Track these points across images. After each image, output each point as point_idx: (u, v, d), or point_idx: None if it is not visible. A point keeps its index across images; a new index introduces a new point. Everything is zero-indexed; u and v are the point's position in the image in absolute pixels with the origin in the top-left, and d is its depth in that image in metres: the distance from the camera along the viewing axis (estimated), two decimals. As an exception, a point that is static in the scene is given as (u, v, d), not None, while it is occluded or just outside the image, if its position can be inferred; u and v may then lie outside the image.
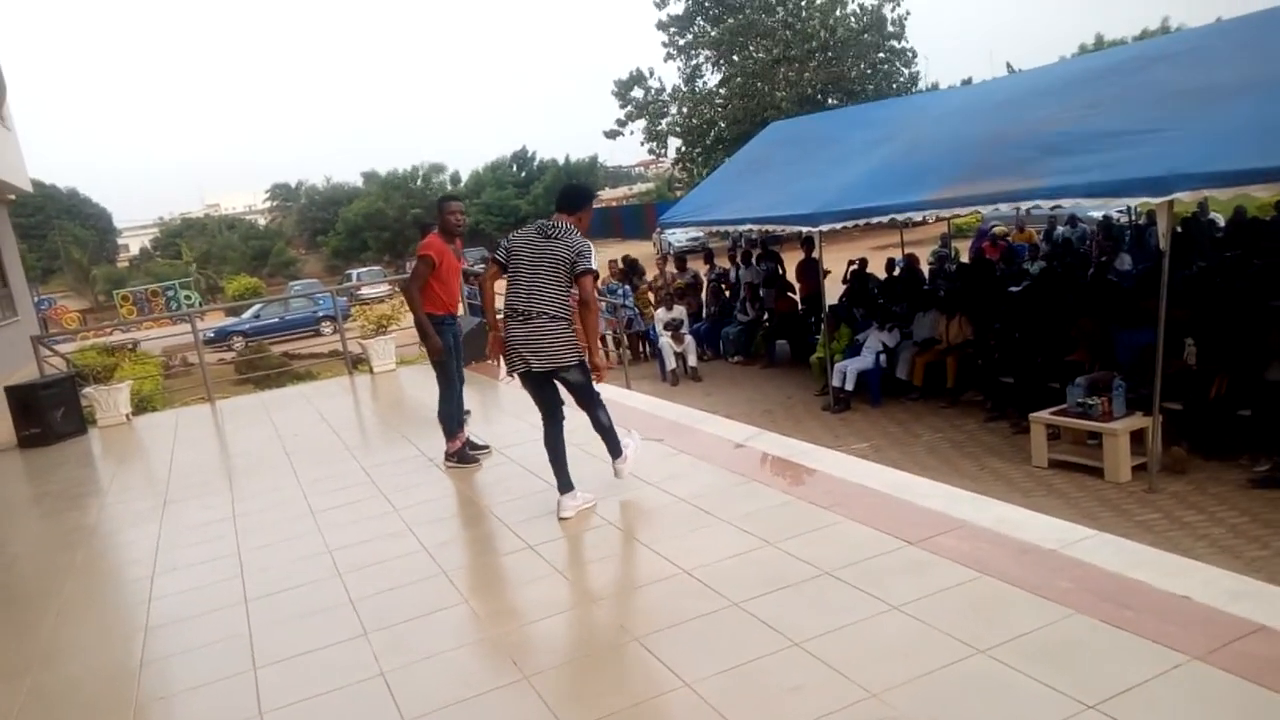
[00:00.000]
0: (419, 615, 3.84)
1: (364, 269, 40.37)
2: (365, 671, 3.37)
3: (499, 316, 4.66)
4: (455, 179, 52.40)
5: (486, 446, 6.14)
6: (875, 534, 3.93)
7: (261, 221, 61.22)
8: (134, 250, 59.67)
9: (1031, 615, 3.07)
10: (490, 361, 4.42)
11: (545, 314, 4.42)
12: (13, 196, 17.54)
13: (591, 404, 4.67)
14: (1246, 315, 7.46)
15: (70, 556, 5.38)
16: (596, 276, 4.58)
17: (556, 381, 4.62)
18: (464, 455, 5.93)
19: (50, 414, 8.75)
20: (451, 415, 5.94)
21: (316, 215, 54.50)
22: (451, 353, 5.97)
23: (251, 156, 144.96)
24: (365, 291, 28.50)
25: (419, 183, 51.01)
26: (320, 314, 28.33)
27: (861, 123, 12.41)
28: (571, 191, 4.75)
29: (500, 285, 4.71)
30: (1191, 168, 6.04)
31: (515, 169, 52.35)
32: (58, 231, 48.65)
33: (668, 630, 3.36)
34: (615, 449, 4.81)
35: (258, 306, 29.42)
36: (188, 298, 40.25)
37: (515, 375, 4.62)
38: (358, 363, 11.31)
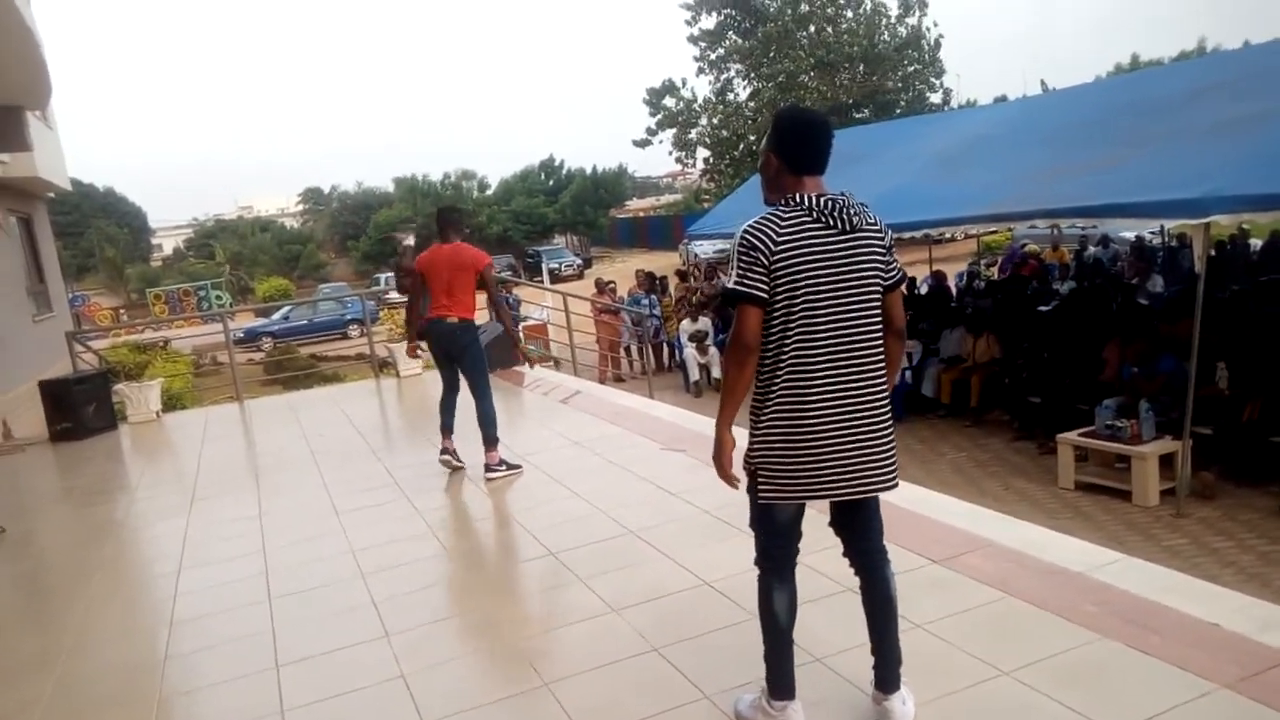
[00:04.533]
0: (441, 618, 3.87)
1: (391, 274, 40.63)
2: (386, 673, 3.39)
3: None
4: (484, 186, 52.67)
5: (519, 466, 5.97)
6: (898, 550, 3.86)
7: (293, 224, 61.84)
8: (167, 250, 60.40)
9: (1056, 638, 3.04)
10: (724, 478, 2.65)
11: (881, 382, 2.53)
12: (52, 194, 17.82)
13: (881, 529, 2.78)
14: (1275, 341, 7.35)
15: (99, 550, 5.46)
16: None
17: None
18: (509, 462, 5.90)
19: (82, 409, 8.88)
20: (493, 421, 5.91)
21: (348, 220, 54.91)
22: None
23: (284, 159, 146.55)
24: (393, 296, 28.76)
25: (449, 191, 51.30)
26: (348, 317, 28.58)
27: (892, 138, 12.38)
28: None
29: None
30: (1230, 190, 5.98)
31: (544, 177, 52.57)
32: (93, 230, 49.38)
33: (688, 641, 3.36)
34: None
35: (287, 308, 29.74)
36: (219, 298, 40.71)
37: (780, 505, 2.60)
38: (383, 366, 11.41)
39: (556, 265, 37.52)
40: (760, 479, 2.55)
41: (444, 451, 6.03)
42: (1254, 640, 2.86)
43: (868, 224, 2.48)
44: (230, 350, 11.64)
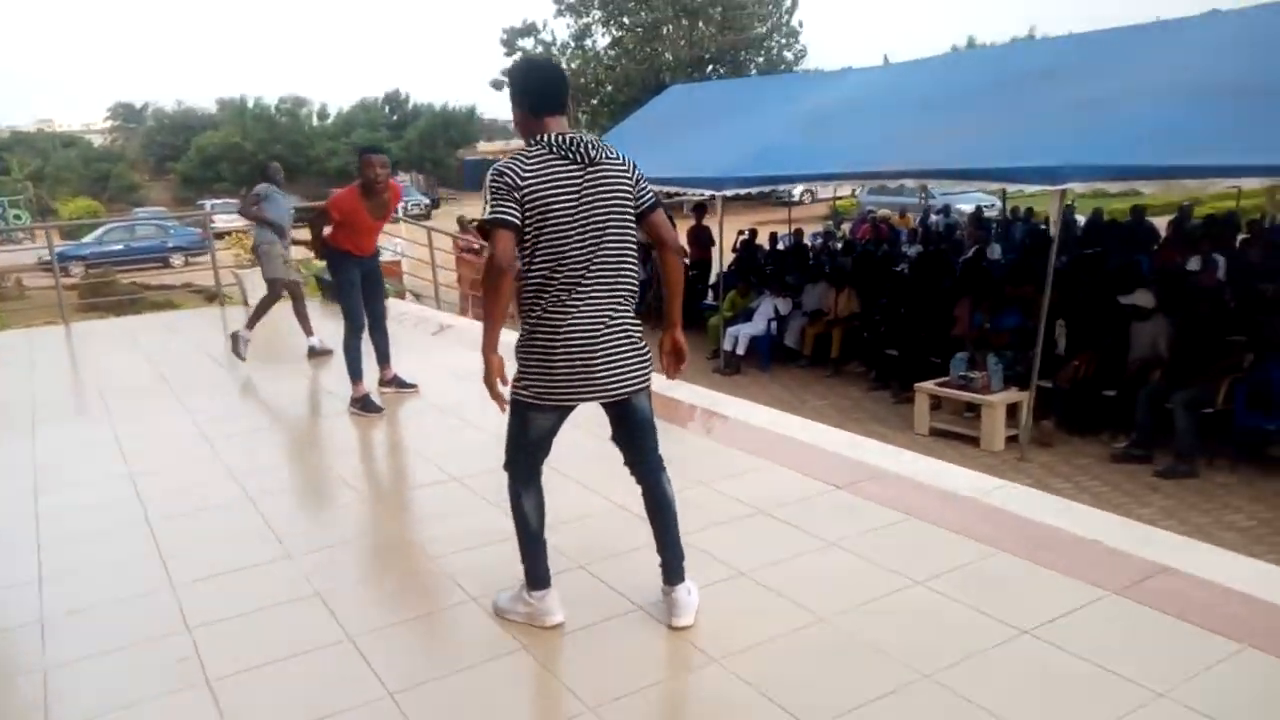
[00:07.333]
0: (347, 539, 3.75)
1: (218, 200, 38.08)
2: (299, 590, 3.26)
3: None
4: (323, 114, 49.99)
5: (414, 386, 5.94)
6: (802, 478, 4.08)
7: (100, 142, 56.61)
8: (-50, 161, 54.11)
9: (960, 553, 3.27)
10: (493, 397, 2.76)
11: (628, 298, 2.78)
12: None
13: (656, 433, 2.95)
14: (1106, 306, 8.08)
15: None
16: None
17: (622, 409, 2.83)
18: (366, 403, 5.53)
19: (-118, 322, 7.91)
20: (352, 358, 5.57)
21: (165, 140, 50.80)
22: (353, 288, 5.70)
23: (88, 69, 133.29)
24: (219, 223, 26.94)
25: (283, 118, 48.34)
26: (171, 244, 26.58)
27: (763, 95, 12.65)
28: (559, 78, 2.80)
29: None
30: (1085, 160, 6.47)
31: (388, 111, 50.40)
32: None
33: (609, 559, 3.39)
34: None
35: (103, 230, 27.34)
36: (17, 217, 36.89)
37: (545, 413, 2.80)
38: (211, 298, 10.80)
39: (402, 203, 36.15)
40: (521, 386, 2.76)
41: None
42: (1134, 555, 3.17)
43: (608, 158, 2.68)
44: (56, 269, 10.66)
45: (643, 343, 2.80)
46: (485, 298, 2.67)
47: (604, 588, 3.16)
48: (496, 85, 34.35)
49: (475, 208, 33.38)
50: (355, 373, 5.54)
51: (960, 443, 7.40)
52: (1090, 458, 6.92)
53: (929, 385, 7.71)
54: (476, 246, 14.04)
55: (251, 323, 7.22)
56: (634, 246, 2.75)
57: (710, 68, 32.00)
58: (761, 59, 32.78)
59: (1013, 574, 3.12)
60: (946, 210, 16.78)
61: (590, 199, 2.63)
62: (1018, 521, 3.51)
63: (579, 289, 2.65)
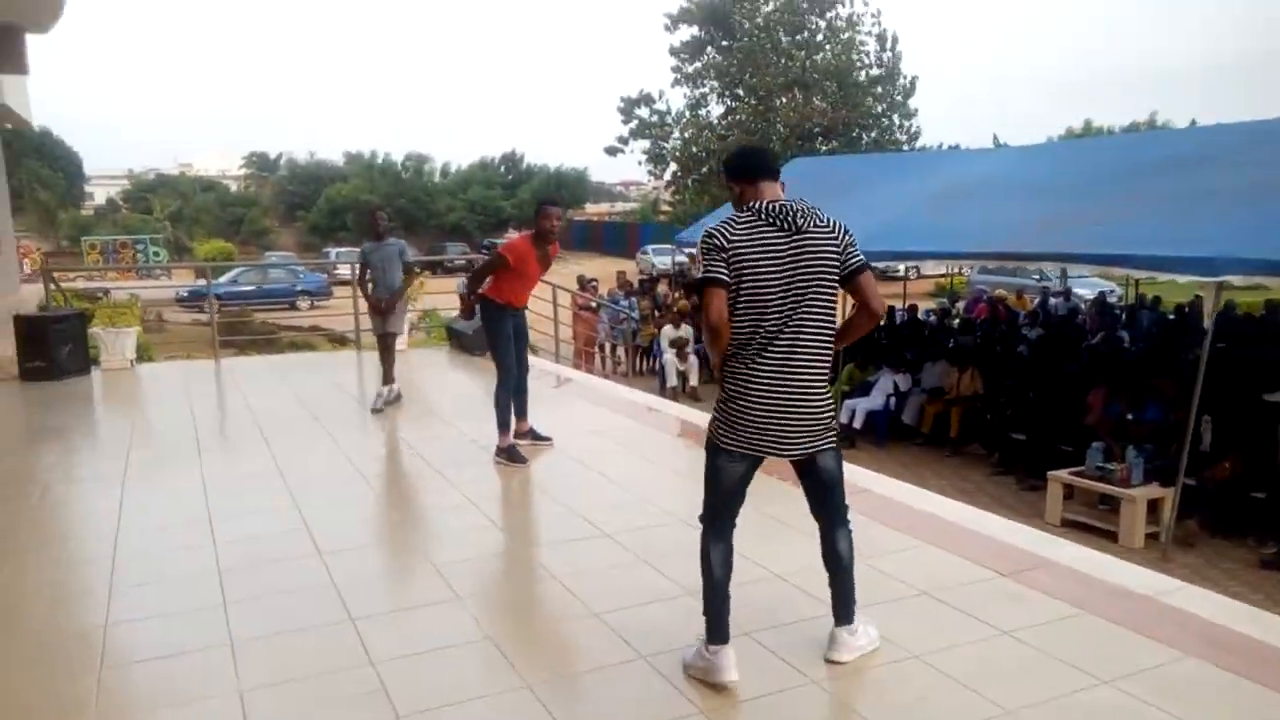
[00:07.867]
0: (508, 586, 3.85)
1: (342, 249, 39.87)
2: (470, 633, 3.36)
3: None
4: (445, 172, 52.09)
5: (549, 439, 6.08)
6: (961, 561, 4.01)
7: (234, 187, 60.10)
8: (99, 200, 58.12)
9: (1144, 654, 3.16)
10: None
11: (820, 360, 2.87)
12: (9, 125, 16.99)
13: (843, 491, 3.08)
14: (1251, 403, 7.75)
15: (109, 495, 5.22)
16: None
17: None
18: (512, 453, 5.67)
19: (58, 349, 8.54)
20: (501, 409, 5.72)
21: (296, 190, 53.63)
22: (508, 341, 5.89)
23: (226, 119, 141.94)
24: (342, 271, 28.24)
25: (407, 173, 50.58)
26: (299, 288, 27.92)
27: (885, 171, 12.69)
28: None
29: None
30: (1244, 253, 6.29)
31: (503, 170, 52.21)
32: (25, 170, 47.21)
33: (774, 629, 3.39)
34: None
35: (237, 271, 28.92)
36: (157, 254, 39.28)
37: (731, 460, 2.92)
38: (344, 341, 11.26)
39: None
40: (714, 429, 2.95)
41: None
42: (1333, 669, 3.02)
43: (817, 225, 2.81)
44: (211, 305, 11.28)
45: (828, 405, 2.93)
46: (707, 348, 2.98)
47: (773, 657, 3.17)
48: (611, 151, 35.17)
49: (584, 266, 34.10)
50: (503, 423, 5.71)
51: (1095, 535, 7.13)
52: (1236, 562, 6.59)
53: (1063, 474, 7.49)
54: (594, 305, 14.35)
55: (387, 377, 7.47)
56: (831, 311, 2.86)
57: (820, 140, 32.20)
58: (874, 135, 32.83)
59: (1205, 680, 2.99)
60: (1067, 294, 16.41)
61: (794, 264, 2.78)
62: (1201, 625, 3.38)
63: (771, 348, 2.81)
